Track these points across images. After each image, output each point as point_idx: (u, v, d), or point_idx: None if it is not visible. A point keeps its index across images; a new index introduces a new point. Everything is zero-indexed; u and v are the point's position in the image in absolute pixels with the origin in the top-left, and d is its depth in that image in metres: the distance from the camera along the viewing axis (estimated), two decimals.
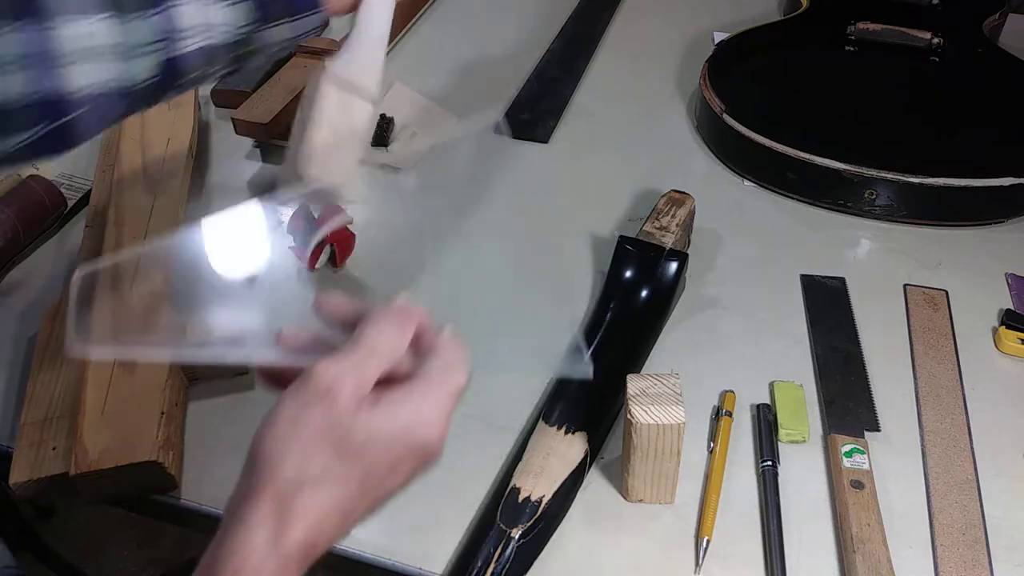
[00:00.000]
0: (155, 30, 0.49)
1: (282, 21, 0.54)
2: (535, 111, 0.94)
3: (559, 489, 0.56)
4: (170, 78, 0.51)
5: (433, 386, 0.41)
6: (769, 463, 0.59)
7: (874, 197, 0.78)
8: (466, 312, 0.72)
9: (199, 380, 0.65)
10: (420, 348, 0.42)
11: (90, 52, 0.47)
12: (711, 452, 0.60)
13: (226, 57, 0.53)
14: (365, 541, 0.56)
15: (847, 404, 0.63)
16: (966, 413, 0.63)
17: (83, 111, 0.47)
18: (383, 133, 0.89)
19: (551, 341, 0.69)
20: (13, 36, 0.44)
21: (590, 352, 0.66)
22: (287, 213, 0.80)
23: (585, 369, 0.49)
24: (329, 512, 0.38)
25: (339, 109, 0.60)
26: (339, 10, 0.57)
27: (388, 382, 0.40)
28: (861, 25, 0.95)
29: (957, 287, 0.73)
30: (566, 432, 0.59)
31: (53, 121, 0.46)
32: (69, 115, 0.47)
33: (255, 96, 0.88)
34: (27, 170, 0.82)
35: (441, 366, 0.42)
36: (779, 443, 0.61)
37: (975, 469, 0.59)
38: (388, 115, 0.91)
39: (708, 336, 0.69)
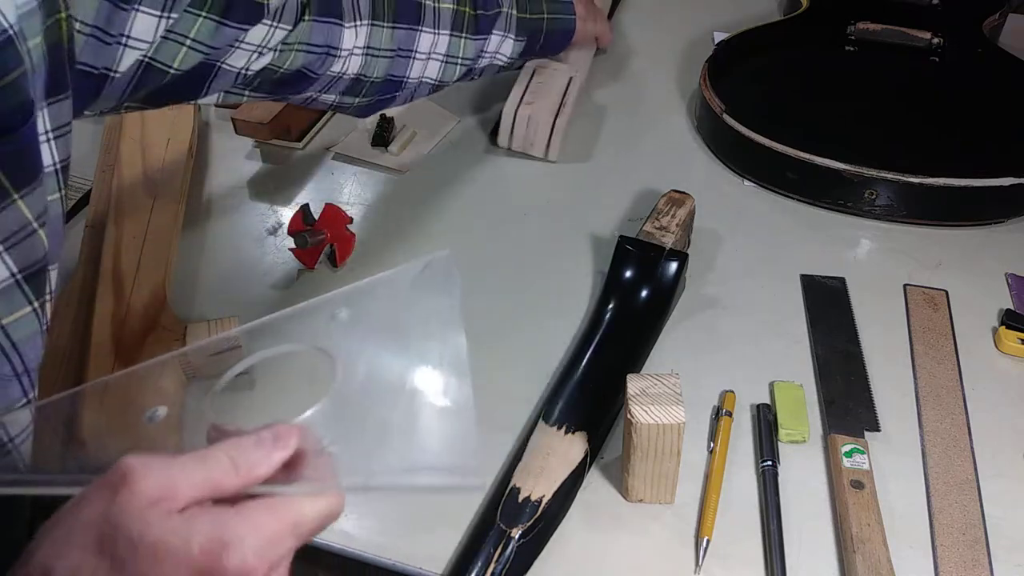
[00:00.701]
0: (475, 49, 0.77)
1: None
2: None
3: (559, 489, 0.56)
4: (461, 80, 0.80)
5: (264, 507, 0.34)
6: (769, 463, 0.59)
7: (874, 197, 0.78)
8: (466, 312, 0.72)
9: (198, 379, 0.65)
10: (295, 471, 0.36)
11: (431, 55, 0.74)
12: (711, 452, 0.60)
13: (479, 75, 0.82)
14: (365, 541, 0.56)
15: (847, 404, 0.63)
16: (966, 413, 0.63)
17: (407, 91, 0.75)
18: (383, 133, 0.89)
19: (551, 341, 0.69)
20: (393, 32, 0.70)
21: (591, 351, 0.66)
22: (287, 213, 0.80)
23: (478, 483, 0.37)
24: None
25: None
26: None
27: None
28: (861, 25, 0.95)
29: (957, 287, 0.73)
30: (566, 432, 0.59)
31: (392, 92, 0.74)
32: (397, 92, 0.75)
33: None
34: None
35: (294, 489, 0.35)
36: (779, 443, 0.61)
37: (975, 469, 0.59)
38: (388, 115, 0.91)
39: (708, 336, 0.69)
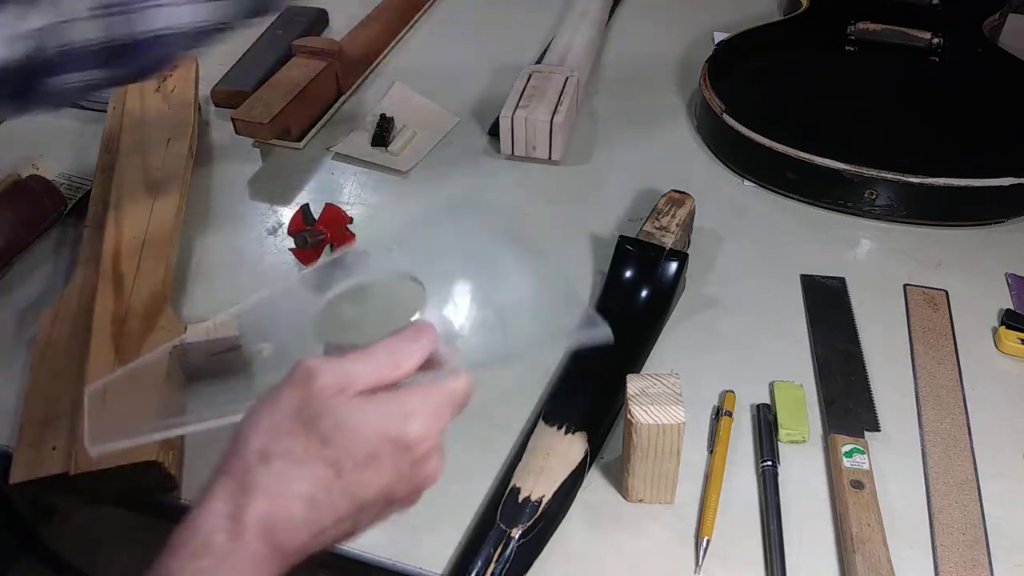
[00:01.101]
0: None
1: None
2: None
3: (559, 489, 0.56)
4: None
5: (424, 387, 0.41)
6: (769, 463, 0.59)
7: (874, 197, 0.78)
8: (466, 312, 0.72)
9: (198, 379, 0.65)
10: (431, 366, 0.42)
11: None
12: (711, 452, 0.60)
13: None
14: (365, 541, 0.56)
15: (847, 404, 0.63)
16: (966, 413, 0.63)
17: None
18: (383, 133, 0.89)
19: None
20: None
21: (591, 351, 0.65)
22: (287, 213, 0.80)
23: (604, 332, 0.47)
24: (292, 489, 0.37)
25: None
26: None
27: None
28: (861, 25, 0.95)
29: (957, 287, 0.73)
30: (566, 432, 0.59)
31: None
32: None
33: (255, 96, 0.88)
34: (27, 170, 0.82)
35: (438, 376, 0.41)
36: (779, 443, 0.61)
37: (975, 469, 0.59)
38: (388, 115, 0.91)
39: (708, 336, 0.69)
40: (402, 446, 0.39)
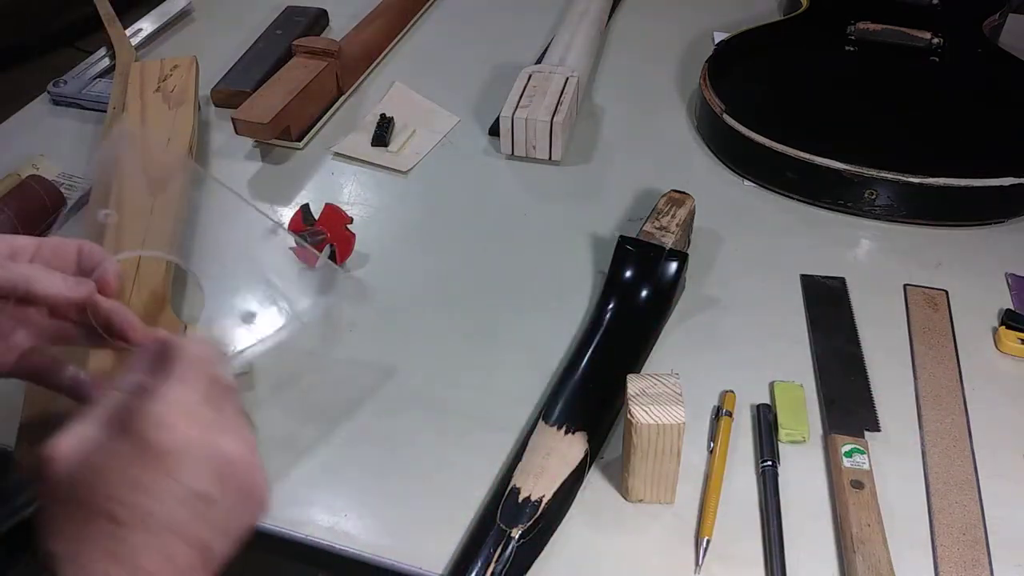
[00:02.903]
0: None
1: None
2: None
3: (559, 489, 0.56)
4: None
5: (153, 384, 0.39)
6: (769, 463, 0.59)
7: (874, 197, 0.78)
8: (467, 311, 0.72)
9: None
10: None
11: None
12: (711, 452, 0.60)
13: None
14: (365, 541, 0.56)
15: (847, 404, 0.63)
16: (966, 413, 0.63)
17: None
18: (383, 133, 0.89)
19: (551, 341, 0.69)
20: None
21: (591, 351, 0.66)
22: (287, 213, 0.80)
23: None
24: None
25: None
26: None
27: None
28: (861, 25, 0.95)
29: (957, 287, 0.73)
30: (566, 432, 0.59)
31: None
32: None
33: (255, 96, 0.88)
34: (27, 170, 0.82)
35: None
36: (779, 443, 0.61)
37: (975, 469, 0.59)
38: (388, 115, 0.91)
39: (708, 336, 0.69)
40: (162, 463, 0.36)
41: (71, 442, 0.37)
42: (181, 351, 0.40)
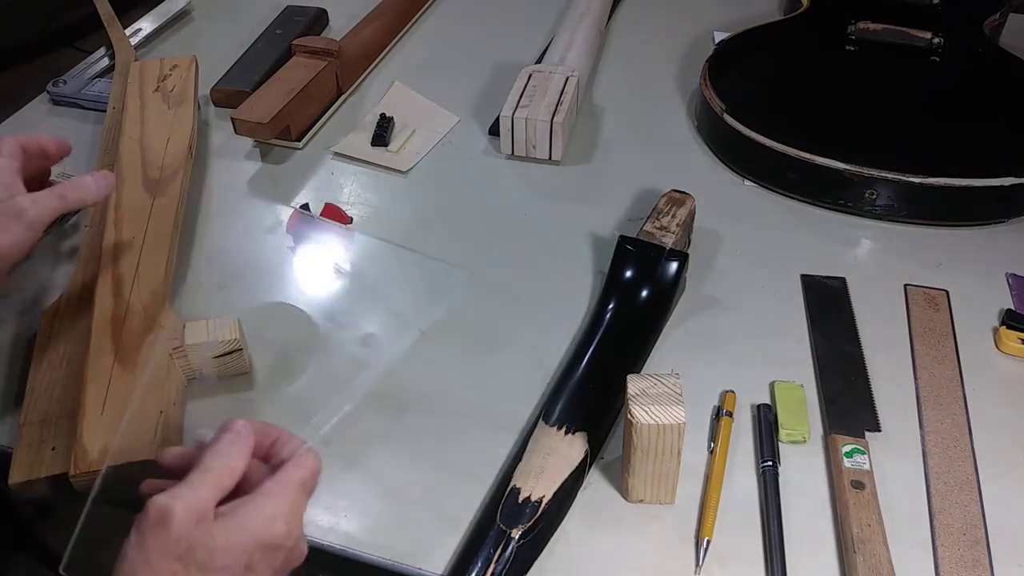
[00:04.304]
0: None
1: None
2: None
3: (559, 489, 0.56)
4: None
5: (274, 486, 0.44)
6: (769, 463, 0.59)
7: (874, 197, 0.78)
8: (466, 311, 0.72)
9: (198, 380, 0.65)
10: (276, 461, 0.47)
11: None
12: (711, 452, 0.60)
13: None
14: (365, 541, 0.56)
15: (847, 404, 0.63)
16: (967, 413, 0.63)
17: None
18: (383, 133, 0.89)
19: (551, 341, 0.69)
20: None
21: (591, 351, 0.66)
22: (287, 213, 0.80)
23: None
24: None
25: None
26: None
27: (240, 496, 0.44)
28: (861, 25, 0.95)
29: (957, 287, 0.73)
30: (566, 432, 0.59)
31: None
32: None
33: (255, 96, 0.88)
34: None
35: (285, 469, 0.45)
36: (779, 443, 0.61)
37: (976, 469, 0.59)
38: (388, 115, 0.91)
39: (708, 336, 0.69)
40: (272, 547, 0.43)
41: (189, 506, 0.41)
42: (305, 464, 0.46)
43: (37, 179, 0.66)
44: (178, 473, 0.45)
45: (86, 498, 0.52)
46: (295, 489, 0.45)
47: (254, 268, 0.76)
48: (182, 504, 0.41)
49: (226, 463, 0.44)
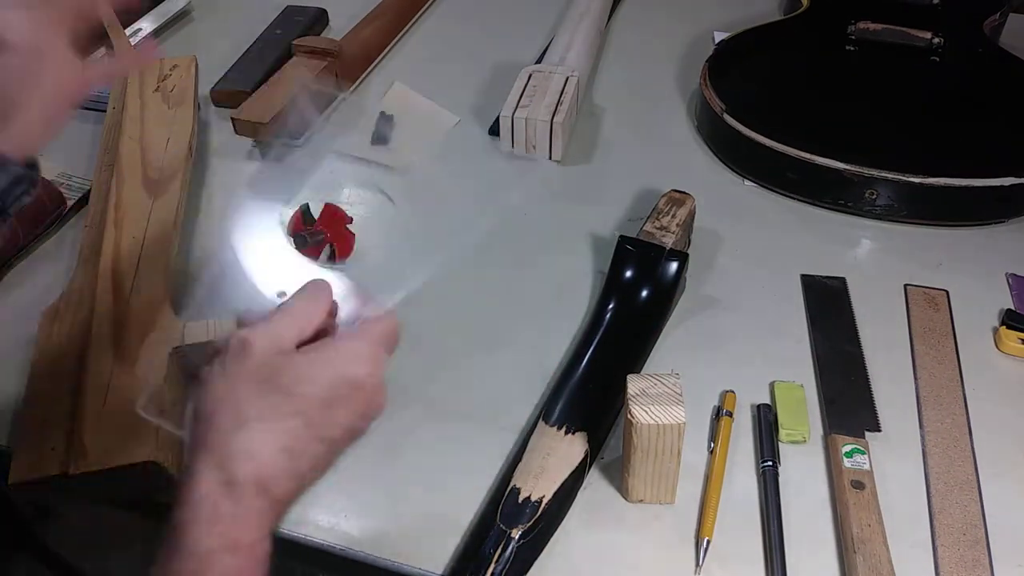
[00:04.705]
0: None
1: None
2: None
3: (559, 489, 0.56)
4: None
5: (360, 332, 0.45)
6: (769, 463, 0.59)
7: (874, 197, 0.78)
8: (466, 311, 0.72)
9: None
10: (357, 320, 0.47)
11: None
12: (711, 452, 0.60)
13: None
14: (365, 541, 0.56)
15: (847, 404, 0.63)
16: (967, 413, 0.63)
17: None
18: (383, 132, 0.89)
19: (551, 341, 0.69)
20: None
21: (591, 351, 0.66)
22: (287, 213, 0.80)
23: None
24: (272, 445, 0.40)
25: None
26: None
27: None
28: (861, 25, 0.95)
29: (957, 287, 0.73)
30: (566, 432, 0.59)
31: None
32: None
33: (255, 96, 0.88)
34: None
35: (366, 321, 0.47)
36: (779, 443, 0.61)
37: (976, 469, 0.59)
38: (388, 114, 0.91)
39: (708, 336, 0.69)
40: (355, 386, 0.43)
41: (269, 338, 0.43)
42: (387, 321, 0.47)
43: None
44: None
45: (86, 497, 0.52)
46: (376, 337, 0.45)
47: (254, 268, 0.76)
48: (261, 335, 0.42)
49: (306, 309, 0.45)
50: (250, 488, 0.40)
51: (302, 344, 0.44)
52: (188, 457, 0.41)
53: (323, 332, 0.46)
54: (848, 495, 0.56)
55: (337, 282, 0.48)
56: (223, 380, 0.42)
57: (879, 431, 0.61)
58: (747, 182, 0.85)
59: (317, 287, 0.47)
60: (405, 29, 1.10)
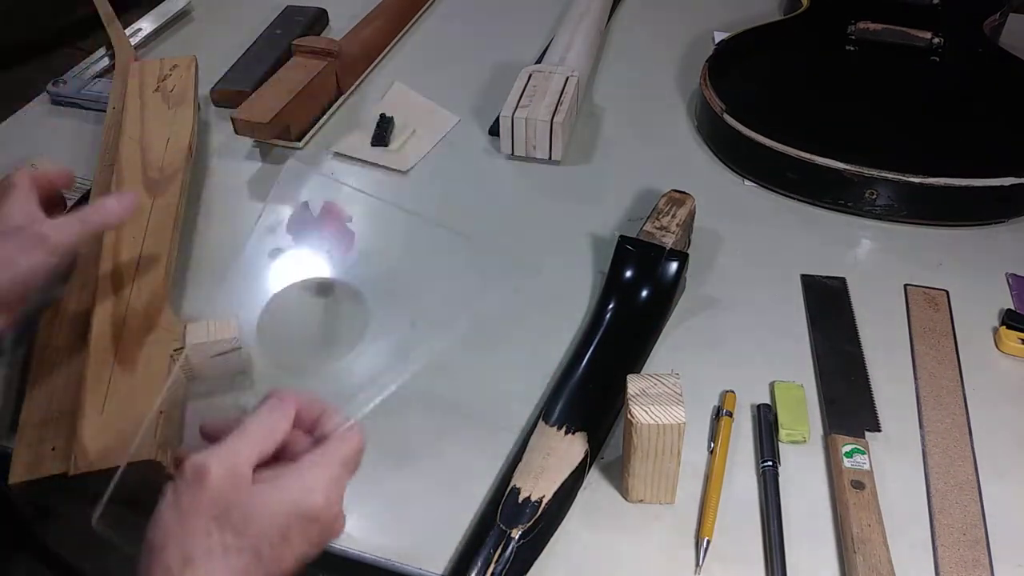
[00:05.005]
0: None
1: None
2: None
3: (559, 489, 0.56)
4: None
5: (317, 457, 0.44)
6: (769, 463, 0.59)
7: (874, 197, 0.78)
8: (466, 311, 0.72)
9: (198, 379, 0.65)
10: (320, 434, 0.46)
11: None
12: (711, 452, 0.60)
13: None
14: (365, 541, 0.56)
15: (847, 404, 0.63)
16: (967, 413, 0.63)
17: None
18: (383, 133, 0.89)
19: (551, 341, 0.69)
20: None
21: (591, 351, 0.66)
22: (287, 213, 0.80)
23: None
24: None
25: None
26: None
27: (281, 464, 0.44)
28: (861, 25, 0.95)
29: (957, 287, 0.73)
30: (566, 432, 0.59)
31: None
32: None
33: (255, 96, 0.88)
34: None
35: (329, 442, 0.45)
36: (779, 443, 0.61)
37: (976, 469, 0.59)
38: (388, 115, 0.91)
39: (708, 336, 0.69)
40: (310, 518, 0.42)
41: (226, 466, 0.41)
42: (350, 440, 0.46)
43: (54, 207, 0.67)
44: (216, 441, 0.44)
45: (87, 497, 0.52)
46: (337, 463, 0.44)
47: (254, 268, 0.76)
48: (218, 462, 0.41)
49: (266, 427, 0.44)
50: None
51: (262, 463, 0.43)
52: None
53: (286, 447, 0.45)
54: (848, 495, 0.56)
55: (300, 393, 0.47)
56: (174, 512, 0.41)
57: (879, 431, 0.61)
58: (747, 182, 0.85)
59: (280, 399, 0.45)
60: (405, 29, 1.10)
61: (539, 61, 0.96)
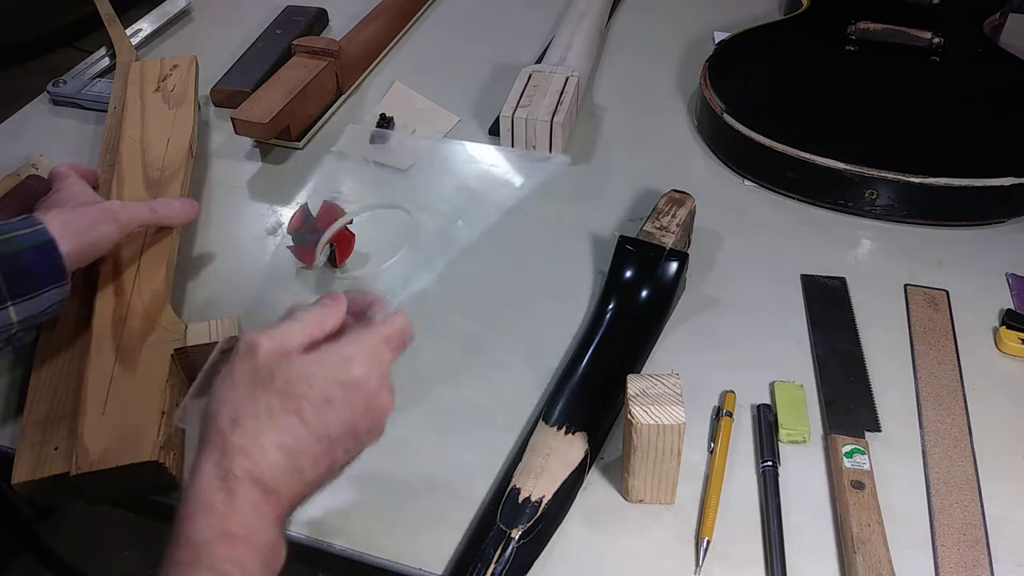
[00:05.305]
0: None
1: (26, 298, 0.58)
2: None
3: (559, 489, 0.56)
4: None
5: (355, 335, 0.47)
6: (769, 463, 0.59)
7: (874, 197, 0.78)
8: (466, 311, 0.72)
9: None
10: (367, 320, 0.50)
11: None
12: (711, 452, 0.60)
13: None
14: (365, 541, 0.56)
15: (847, 404, 0.63)
16: (967, 413, 0.63)
17: None
18: (383, 133, 0.89)
19: (551, 341, 0.69)
20: None
21: (591, 351, 0.66)
22: (287, 213, 0.80)
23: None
24: (267, 442, 0.43)
25: None
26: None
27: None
28: (861, 25, 0.95)
29: (958, 287, 0.73)
30: (566, 432, 0.59)
31: None
32: None
33: (255, 96, 0.88)
34: (26, 170, 0.82)
35: (371, 323, 0.49)
36: (779, 443, 0.61)
37: (976, 469, 0.59)
38: (388, 115, 0.91)
39: (708, 336, 0.69)
40: (349, 386, 0.45)
41: (276, 341, 0.45)
42: (392, 321, 0.49)
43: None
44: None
45: (87, 497, 0.52)
46: (377, 339, 0.47)
47: (254, 268, 0.76)
48: (268, 338, 0.45)
49: (318, 315, 0.47)
50: (245, 482, 0.41)
51: (312, 347, 0.46)
52: (195, 454, 0.44)
53: (339, 334, 0.48)
54: (848, 495, 0.56)
55: (350, 292, 0.50)
56: (228, 382, 0.44)
57: (879, 431, 0.61)
58: (747, 182, 0.85)
59: (332, 299, 0.49)
60: (405, 29, 1.10)
61: (539, 61, 0.96)
